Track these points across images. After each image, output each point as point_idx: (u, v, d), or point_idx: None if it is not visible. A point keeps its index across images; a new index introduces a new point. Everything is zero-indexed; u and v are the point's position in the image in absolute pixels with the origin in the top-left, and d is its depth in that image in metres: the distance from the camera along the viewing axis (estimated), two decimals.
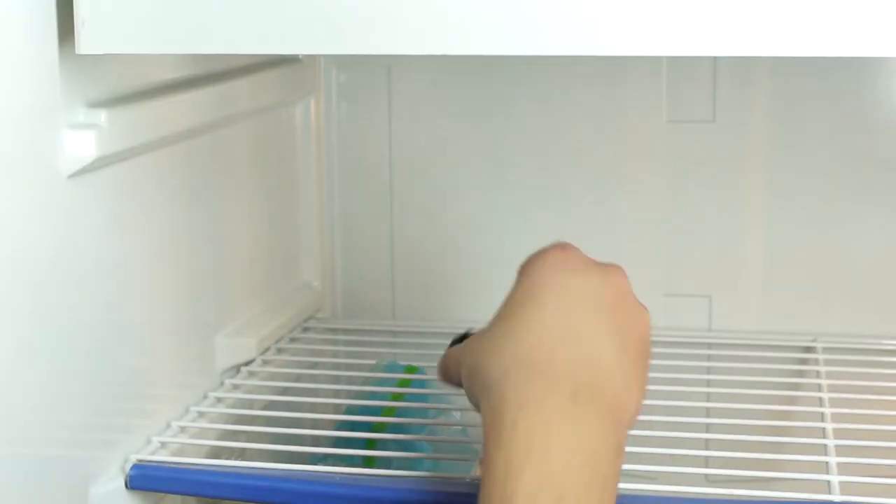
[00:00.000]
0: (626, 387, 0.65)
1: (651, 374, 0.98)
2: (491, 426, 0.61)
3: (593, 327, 0.65)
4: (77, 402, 0.76)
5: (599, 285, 0.67)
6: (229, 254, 0.98)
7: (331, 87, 1.16)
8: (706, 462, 0.90)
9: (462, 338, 0.79)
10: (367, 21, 0.66)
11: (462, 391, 0.70)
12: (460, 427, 0.92)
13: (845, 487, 0.76)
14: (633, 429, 0.66)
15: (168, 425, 0.87)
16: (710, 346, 1.08)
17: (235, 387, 0.96)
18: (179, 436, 0.86)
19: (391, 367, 1.00)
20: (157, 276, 0.86)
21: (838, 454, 0.81)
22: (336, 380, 1.01)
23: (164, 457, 0.83)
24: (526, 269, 0.68)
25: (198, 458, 0.84)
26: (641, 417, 0.87)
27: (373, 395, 0.94)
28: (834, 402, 0.91)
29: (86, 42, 0.69)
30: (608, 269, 0.68)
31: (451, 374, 0.72)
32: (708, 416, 0.90)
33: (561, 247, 0.69)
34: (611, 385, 0.63)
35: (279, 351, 1.04)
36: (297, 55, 1.09)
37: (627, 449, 0.83)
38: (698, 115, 1.10)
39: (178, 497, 0.88)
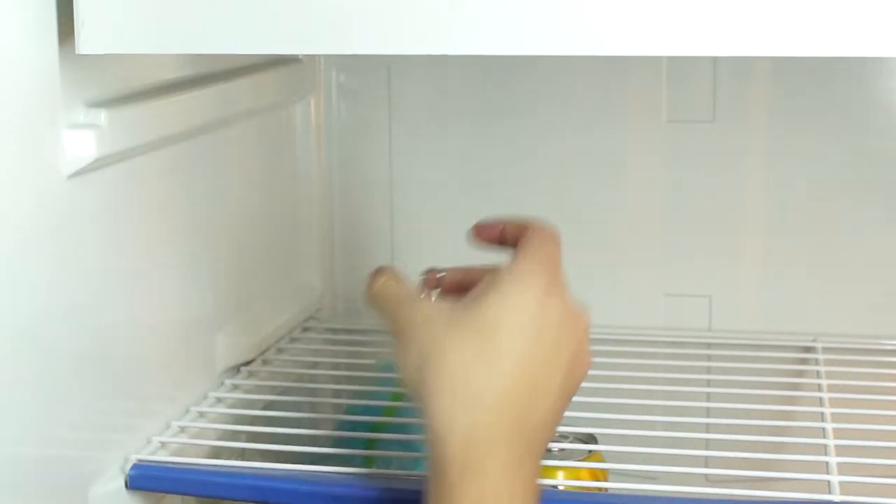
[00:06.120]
0: (553, 433, 0.67)
1: (651, 374, 0.99)
2: (437, 476, 0.62)
3: (553, 379, 0.66)
4: (77, 402, 0.76)
5: (571, 333, 0.67)
6: (229, 254, 0.98)
7: (331, 87, 1.16)
8: (706, 462, 0.90)
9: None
10: (367, 21, 0.66)
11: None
12: None
13: (845, 487, 0.76)
14: None
15: (168, 425, 0.87)
16: (710, 346, 1.08)
17: (235, 387, 0.96)
18: (179, 436, 0.86)
19: (391, 367, 1.00)
20: (156, 275, 0.86)
21: (838, 454, 0.81)
22: (336, 380, 1.01)
23: (164, 457, 0.83)
24: (517, 271, 0.67)
25: (198, 458, 0.84)
26: (642, 417, 0.88)
27: (373, 395, 0.94)
28: (834, 402, 0.91)
29: (86, 42, 0.69)
30: (579, 318, 0.68)
31: (384, 305, 0.71)
32: (708, 416, 0.90)
33: (552, 273, 0.68)
34: (547, 436, 0.66)
35: (279, 351, 1.04)
36: (297, 55, 1.09)
37: (627, 449, 0.83)
38: (698, 115, 1.10)
39: (178, 497, 0.88)
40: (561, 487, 0.85)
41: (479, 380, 0.64)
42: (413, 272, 1.17)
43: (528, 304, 0.66)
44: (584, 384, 0.94)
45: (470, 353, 0.64)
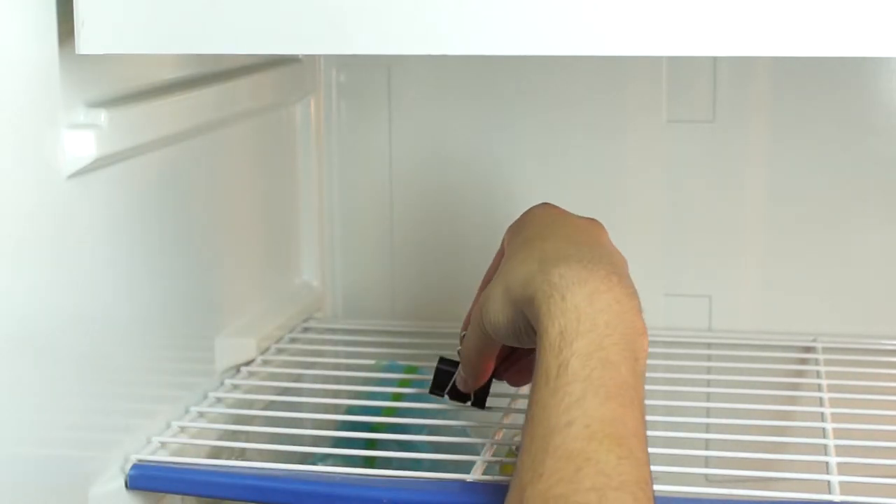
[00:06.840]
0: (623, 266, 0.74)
1: (651, 374, 0.99)
2: (541, 305, 0.68)
3: (603, 243, 0.76)
4: (77, 402, 0.76)
5: (597, 224, 0.78)
6: (229, 254, 0.98)
7: (331, 87, 1.16)
8: (706, 462, 0.90)
9: (445, 360, 0.83)
10: (367, 21, 0.66)
11: None
12: (460, 427, 0.92)
13: (845, 487, 0.76)
14: None
15: (168, 425, 0.87)
16: (710, 346, 1.08)
17: (235, 387, 0.96)
18: (179, 436, 0.86)
19: (391, 367, 1.00)
20: (156, 275, 0.86)
21: (838, 454, 0.81)
22: (336, 380, 1.01)
23: (164, 457, 0.83)
24: (523, 220, 0.79)
25: (198, 458, 0.84)
26: None
27: (373, 395, 0.94)
28: (834, 402, 0.91)
29: (86, 42, 0.69)
30: (592, 219, 0.79)
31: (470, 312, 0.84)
32: (708, 416, 0.90)
33: (546, 203, 0.81)
34: (628, 279, 0.71)
35: (279, 351, 1.04)
36: (297, 55, 1.09)
37: None
38: (698, 115, 1.10)
39: (178, 497, 0.88)
40: None
41: (539, 253, 0.73)
42: (413, 272, 1.18)
43: (541, 211, 0.79)
44: None
45: (524, 253, 0.74)
